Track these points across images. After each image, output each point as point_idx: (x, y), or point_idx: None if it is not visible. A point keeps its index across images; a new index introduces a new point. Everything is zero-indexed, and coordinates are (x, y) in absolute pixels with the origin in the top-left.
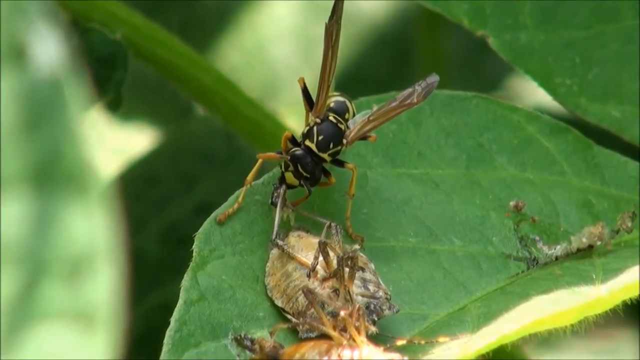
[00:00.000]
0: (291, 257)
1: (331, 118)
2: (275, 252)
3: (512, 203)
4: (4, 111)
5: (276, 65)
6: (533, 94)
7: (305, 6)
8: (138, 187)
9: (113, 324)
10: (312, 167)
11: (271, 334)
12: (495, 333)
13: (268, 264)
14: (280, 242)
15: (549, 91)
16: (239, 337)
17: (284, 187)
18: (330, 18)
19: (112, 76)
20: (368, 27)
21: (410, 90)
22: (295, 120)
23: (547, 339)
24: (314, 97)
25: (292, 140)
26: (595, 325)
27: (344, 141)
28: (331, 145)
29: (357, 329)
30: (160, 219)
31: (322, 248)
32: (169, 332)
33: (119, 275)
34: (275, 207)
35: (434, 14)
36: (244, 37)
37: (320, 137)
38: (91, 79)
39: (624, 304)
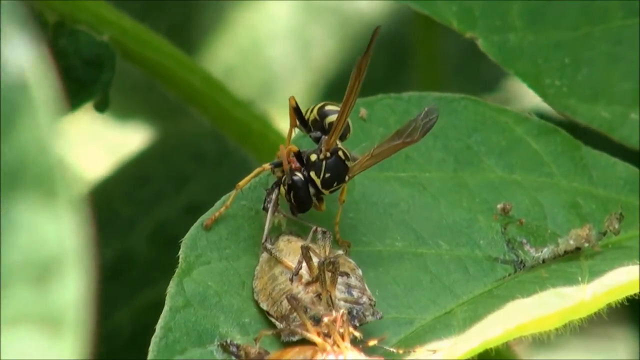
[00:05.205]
0: (278, 261)
1: (340, 153)
2: (265, 255)
3: (499, 206)
4: None
5: (272, 65)
6: (530, 94)
7: (302, 6)
8: (128, 187)
9: (81, 328)
10: (305, 199)
11: (256, 340)
12: (479, 338)
13: (257, 268)
14: (268, 246)
15: (538, 92)
16: (224, 343)
17: (276, 192)
18: (365, 52)
19: (99, 78)
20: (365, 27)
21: (412, 125)
22: (287, 122)
23: (543, 337)
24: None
25: (298, 155)
26: (592, 324)
27: (347, 178)
28: (335, 184)
29: (341, 335)
30: (150, 218)
31: (305, 253)
32: (154, 339)
33: (87, 280)
34: (267, 211)
35: None
36: (240, 36)
37: (327, 175)
38: (77, 80)
39: (621, 302)
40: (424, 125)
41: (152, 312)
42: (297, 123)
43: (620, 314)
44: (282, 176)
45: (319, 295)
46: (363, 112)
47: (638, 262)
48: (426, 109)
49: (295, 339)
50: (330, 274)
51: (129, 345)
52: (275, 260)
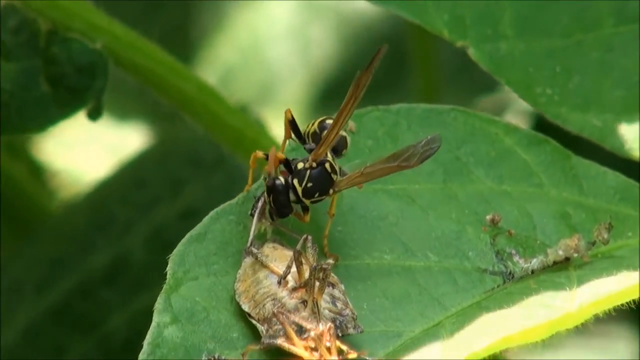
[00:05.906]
0: (264, 266)
1: (327, 166)
2: (248, 260)
3: (488, 217)
4: None
5: (272, 65)
6: None
7: (302, 6)
8: (125, 190)
9: None
10: (284, 204)
11: (243, 355)
12: (465, 351)
13: (240, 271)
14: (254, 250)
15: (529, 101)
16: (212, 359)
17: (263, 199)
18: (366, 68)
19: (92, 85)
20: (362, 28)
21: (410, 150)
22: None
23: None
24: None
25: (286, 163)
26: (592, 323)
27: (331, 191)
28: (317, 195)
29: (328, 349)
30: (146, 222)
31: (297, 257)
32: (141, 356)
33: None
34: (254, 217)
35: None
36: (240, 36)
37: (309, 185)
38: (70, 87)
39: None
40: (423, 153)
41: (148, 316)
42: (292, 135)
43: (621, 312)
44: None
45: (303, 302)
46: (351, 124)
47: (626, 271)
48: (429, 137)
49: (277, 341)
50: (319, 281)
51: (123, 350)
52: (260, 265)
